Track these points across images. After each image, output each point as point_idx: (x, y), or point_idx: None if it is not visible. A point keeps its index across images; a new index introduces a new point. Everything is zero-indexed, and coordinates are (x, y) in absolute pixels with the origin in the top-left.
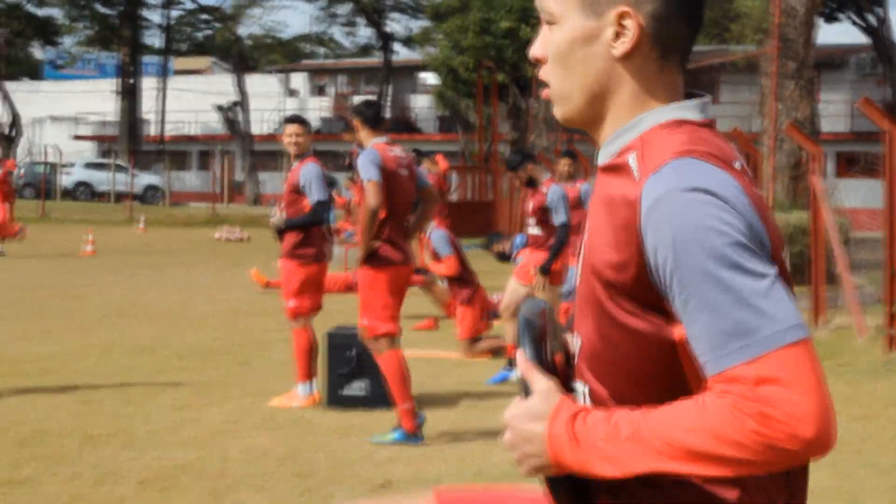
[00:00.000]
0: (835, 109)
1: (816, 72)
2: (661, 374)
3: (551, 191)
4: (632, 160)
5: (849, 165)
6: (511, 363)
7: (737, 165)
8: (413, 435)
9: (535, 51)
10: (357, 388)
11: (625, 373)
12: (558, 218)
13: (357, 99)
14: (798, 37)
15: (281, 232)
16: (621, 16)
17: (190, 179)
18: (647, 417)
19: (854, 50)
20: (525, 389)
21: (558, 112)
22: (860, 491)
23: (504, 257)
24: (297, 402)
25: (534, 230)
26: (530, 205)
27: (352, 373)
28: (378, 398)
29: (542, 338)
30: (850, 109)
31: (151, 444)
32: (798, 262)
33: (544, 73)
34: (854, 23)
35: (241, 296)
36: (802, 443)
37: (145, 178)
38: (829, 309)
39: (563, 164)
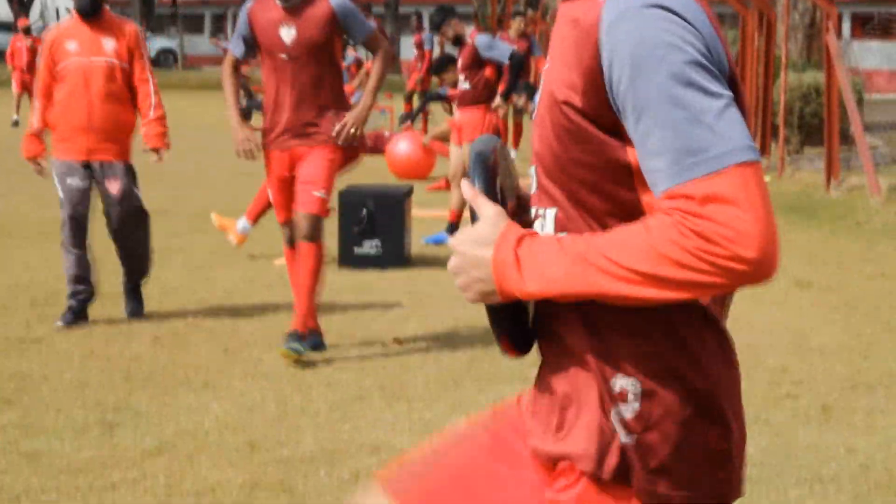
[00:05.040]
0: None
1: None
2: (618, 195)
3: (478, 38)
4: None
5: (864, 27)
6: (451, 228)
7: None
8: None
9: None
10: (369, 247)
11: (587, 188)
12: (500, 53)
13: None
14: None
15: None
16: None
17: (204, 43)
18: (593, 239)
19: None
20: (473, 217)
21: None
22: (871, 347)
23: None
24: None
25: (464, 85)
26: (459, 62)
27: (363, 232)
28: (390, 257)
29: (493, 171)
30: None
31: (164, 303)
32: (812, 121)
33: None
34: None
35: None
36: (744, 263)
37: (158, 42)
38: (842, 169)
39: (516, 23)
